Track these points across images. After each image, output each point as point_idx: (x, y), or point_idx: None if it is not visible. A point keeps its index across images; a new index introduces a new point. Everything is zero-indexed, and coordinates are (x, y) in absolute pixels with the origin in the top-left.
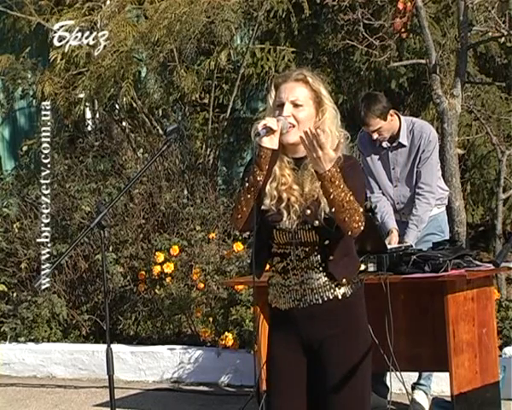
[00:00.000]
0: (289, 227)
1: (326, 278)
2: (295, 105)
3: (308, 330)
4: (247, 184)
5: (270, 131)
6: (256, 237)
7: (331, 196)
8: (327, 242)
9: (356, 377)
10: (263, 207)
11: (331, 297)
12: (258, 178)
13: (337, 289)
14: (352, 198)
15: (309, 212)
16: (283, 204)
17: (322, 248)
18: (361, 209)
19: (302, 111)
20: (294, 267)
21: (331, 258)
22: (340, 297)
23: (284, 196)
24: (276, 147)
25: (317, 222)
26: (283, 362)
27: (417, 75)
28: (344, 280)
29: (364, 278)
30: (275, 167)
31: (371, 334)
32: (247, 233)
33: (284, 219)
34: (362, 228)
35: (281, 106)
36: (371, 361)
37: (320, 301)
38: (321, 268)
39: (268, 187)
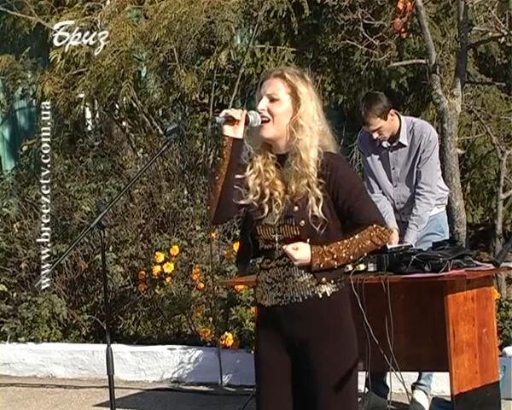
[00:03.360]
0: (272, 223)
1: (307, 276)
2: (272, 99)
3: (290, 329)
4: (212, 173)
5: (231, 120)
6: (241, 233)
7: (346, 261)
8: (308, 240)
9: (340, 376)
10: (243, 202)
11: (311, 296)
12: (221, 168)
13: (318, 287)
14: (356, 238)
15: (296, 209)
16: (266, 199)
17: None
18: (371, 221)
19: (278, 105)
20: (277, 264)
21: None
22: (320, 296)
23: (267, 191)
24: (239, 136)
25: (303, 221)
26: (268, 360)
27: (417, 75)
28: (324, 279)
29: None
30: (259, 163)
31: (371, 333)
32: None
33: (265, 214)
34: (386, 230)
35: (260, 100)
36: (370, 360)
37: (300, 299)
38: (302, 270)
39: (251, 182)
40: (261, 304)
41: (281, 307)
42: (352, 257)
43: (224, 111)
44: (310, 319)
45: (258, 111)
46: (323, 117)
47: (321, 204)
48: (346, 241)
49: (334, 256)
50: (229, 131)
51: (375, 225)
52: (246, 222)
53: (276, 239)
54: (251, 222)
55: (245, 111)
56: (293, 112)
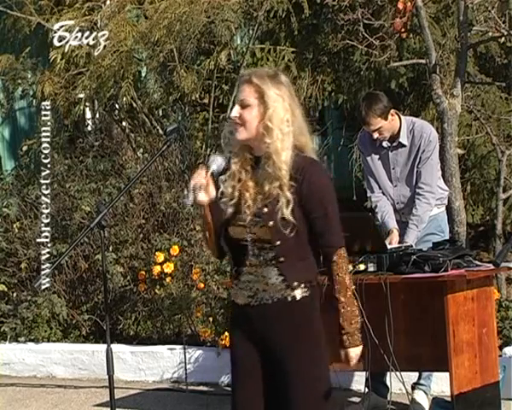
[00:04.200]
0: (243, 223)
1: (278, 279)
2: (243, 106)
3: (261, 329)
4: (201, 226)
5: (199, 188)
6: (218, 230)
7: (357, 313)
8: (278, 242)
9: (311, 378)
10: (227, 216)
11: (281, 298)
12: (207, 224)
13: (289, 290)
14: (347, 298)
15: (266, 210)
16: (236, 200)
17: (274, 248)
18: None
19: (248, 111)
20: (250, 263)
21: (282, 259)
22: (289, 299)
23: (237, 193)
24: (213, 196)
25: (271, 222)
26: (243, 359)
27: (417, 75)
28: (295, 283)
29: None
30: (235, 165)
31: (371, 333)
32: None
33: (237, 214)
34: (345, 254)
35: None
36: (370, 360)
37: (270, 301)
38: (275, 267)
39: (226, 185)
40: (234, 302)
41: (252, 307)
42: (355, 300)
43: (189, 187)
44: (279, 322)
45: (214, 156)
46: (300, 116)
47: (290, 207)
48: (346, 295)
49: (355, 320)
50: (202, 197)
51: (335, 258)
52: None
53: (249, 239)
54: (223, 222)
55: (206, 169)
56: (261, 115)
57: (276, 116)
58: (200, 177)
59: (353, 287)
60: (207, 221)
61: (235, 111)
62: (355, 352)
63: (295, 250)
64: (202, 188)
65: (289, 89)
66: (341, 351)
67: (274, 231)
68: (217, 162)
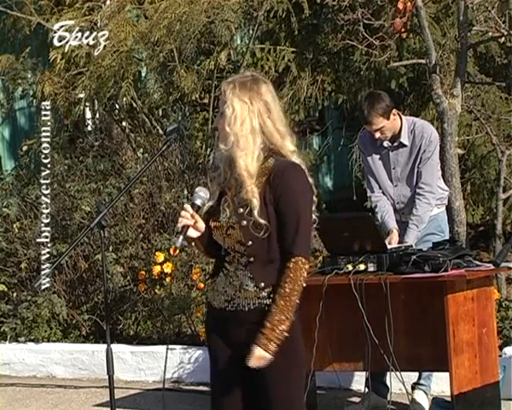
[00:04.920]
0: (223, 224)
1: (249, 284)
2: (220, 113)
3: (236, 334)
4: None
5: (187, 229)
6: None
7: (290, 319)
8: (250, 243)
9: (286, 383)
10: (212, 223)
11: (257, 306)
12: (201, 247)
13: (264, 299)
14: (287, 292)
15: (241, 210)
16: (219, 200)
17: (246, 249)
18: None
19: (221, 118)
20: (226, 267)
21: (251, 260)
22: (265, 307)
23: (218, 193)
24: (203, 229)
25: (244, 222)
26: (219, 361)
27: (417, 75)
28: (262, 284)
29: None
30: (222, 165)
31: (371, 333)
32: None
33: (219, 215)
34: (307, 264)
35: None
36: (370, 360)
37: (246, 308)
38: (247, 271)
39: (212, 184)
40: (211, 304)
41: (227, 312)
42: (291, 312)
43: (177, 229)
44: (254, 329)
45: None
46: (277, 120)
47: (257, 210)
48: (280, 302)
49: (279, 329)
50: (193, 233)
51: (290, 265)
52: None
53: (226, 239)
54: (207, 222)
55: (191, 209)
56: (225, 122)
57: (227, 117)
58: (186, 218)
59: (296, 301)
60: (200, 247)
61: (216, 120)
62: (261, 355)
63: (265, 252)
64: (190, 227)
65: (265, 93)
66: (252, 345)
67: (246, 231)
68: (200, 197)
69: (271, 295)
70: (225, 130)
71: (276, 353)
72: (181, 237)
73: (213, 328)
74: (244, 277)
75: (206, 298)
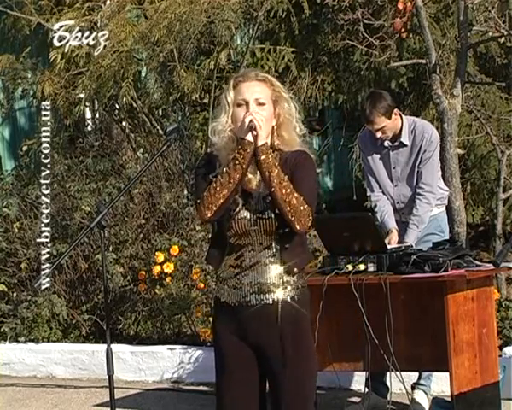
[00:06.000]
0: (247, 216)
1: (274, 279)
2: (259, 104)
3: (251, 329)
4: (223, 179)
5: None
6: (217, 230)
7: (279, 181)
8: (287, 229)
9: (300, 377)
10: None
11: (275, 299)
12: (236, 173)
13: (282, 292)
14: (293, 196)
15: (270, 199)
16: (239, 193)
17: (279, 237)
18: (306, 208)
19: (264, 110)
20: (250, 261)
21: (287, 246)
22: (281, 301)
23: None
24: (263, 141)
25: (278, 210)
26: (233, 359)
27: (417, 75)
28: (295, 269)
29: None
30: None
31: (371, 333)
32: None
33: (240, 207)
34: (307, 227)
35: (243, 105)
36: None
37: (262, 302)
38: (276, 262)
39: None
40: (221, 300)
41: (244, 307)
42: (281, 186)
43: (249, 118)
44: (269, 323)
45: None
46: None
47: None
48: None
49: (275, 172)
50: (250, 137)
51: (306, 206)
52: (222, 217)
53: (253, 231)
54: (226, 216)
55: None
56: (274, 115)
57: (288, 117)
58: (258, 118)
59: (295, 204)
60: (237, 170)
61: (253, 109)
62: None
63: (298, 236)
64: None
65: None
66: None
67: (280, 218)
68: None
69: (298, 285)
70: (283, 132)
71: (292, 349)
72: (248, 130)
73: (227, 324)
74: (268, 268)
75: (214, 297)
